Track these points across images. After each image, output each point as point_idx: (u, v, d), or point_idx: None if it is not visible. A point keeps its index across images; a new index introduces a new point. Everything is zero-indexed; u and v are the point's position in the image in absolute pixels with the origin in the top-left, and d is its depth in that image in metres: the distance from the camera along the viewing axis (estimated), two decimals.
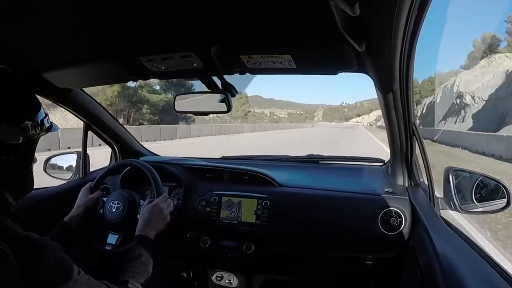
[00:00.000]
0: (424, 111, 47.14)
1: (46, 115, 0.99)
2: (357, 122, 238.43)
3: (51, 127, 1.00)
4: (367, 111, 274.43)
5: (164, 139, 22.95)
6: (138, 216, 1.39)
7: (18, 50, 1.10)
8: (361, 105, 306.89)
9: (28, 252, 0.82)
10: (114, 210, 1.48)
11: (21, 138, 0.89)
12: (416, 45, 0.99)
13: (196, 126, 32.40)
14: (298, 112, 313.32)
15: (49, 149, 11.10)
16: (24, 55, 1.14)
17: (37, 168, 1.10)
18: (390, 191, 1.62)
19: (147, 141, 18.76)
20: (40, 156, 1.08)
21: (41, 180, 1.41)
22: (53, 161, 1.98)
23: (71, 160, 2.00)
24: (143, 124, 28.77)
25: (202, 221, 1.71)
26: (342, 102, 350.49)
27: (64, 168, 2.01)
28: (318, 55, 1.07)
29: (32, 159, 0.98)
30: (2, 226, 0.84)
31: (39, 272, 0.82)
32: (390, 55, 0.98)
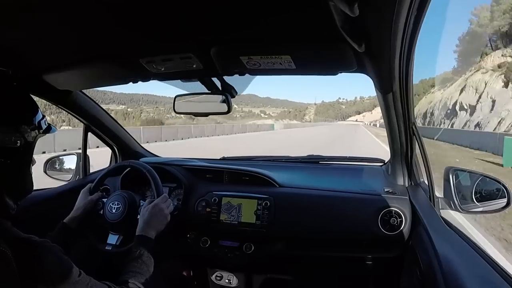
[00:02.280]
0: None
1: (43, 116, 0.99)
2: (356, 121, 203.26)
3: (49, 129, 1.01)
4: (369, 107, 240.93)
5: None
6: (138, 217, 1.39)
7: (18, 52, 1.10)
8: (361, 101, 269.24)
9: (29, 254, 0.82)
10: (114, 211, 1.48)
11: (19, 141, 0.89)
12: (415, 44, 0.98)
13: None
14: (287, 110, 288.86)
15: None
16: (24, 57, 1.14)
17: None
18: (390, 191, 1.62)
19: None
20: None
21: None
22: (53, 162, 1.98)
23: (71, 161, 2.00)
24: None
25: (202, 221, 1.71)
26: (339, 98, 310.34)
27: (64, 170, 2.01)
28: (318, 56, 1.07)
29: (31, 161, 0.98)
30: (2, 229, 0.84)
31: (39, 274, 0.82)
32: (389, 55, 0.98)
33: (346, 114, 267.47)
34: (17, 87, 0.97)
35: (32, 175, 1.00)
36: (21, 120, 0.92)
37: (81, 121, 1.84)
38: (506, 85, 32.07)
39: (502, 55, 38.87)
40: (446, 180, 1.43)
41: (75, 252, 1.19)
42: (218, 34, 0.99)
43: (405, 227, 1.51)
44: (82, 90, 1.67)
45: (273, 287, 1.94)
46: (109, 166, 1.96)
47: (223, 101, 1.37)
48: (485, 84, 34.75)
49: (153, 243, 1.28)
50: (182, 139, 25.07)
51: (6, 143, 0.87)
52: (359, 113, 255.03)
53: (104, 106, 1.87)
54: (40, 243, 0.86)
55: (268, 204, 1.65)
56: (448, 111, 39.97)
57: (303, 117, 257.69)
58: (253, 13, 0.84)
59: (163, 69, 1.20)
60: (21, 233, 0.86)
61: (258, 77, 1.38)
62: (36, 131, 0.96)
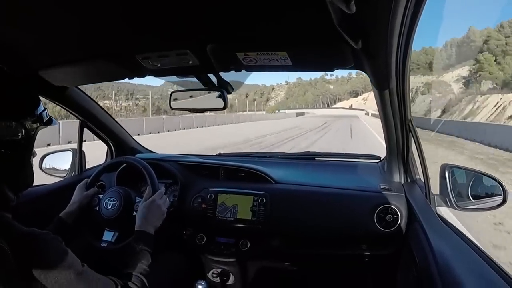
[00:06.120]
0: None
1: (45, 109, 0.99)
2: (350, 108, 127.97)
3: (50, 121, 1.01)
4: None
5: None
6: (135, 213, 1.39)
7: (14, 49, 1.10)
8: (359, 77, 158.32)
9: (30, 247, 0.82)
10: (109, 207, 1.48)
11: (20, 133, 0.90)
12: (412, 41, 0.98)
13: None
14: (243, 94, 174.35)
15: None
16: (20, 53, 1.14)
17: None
18: (386, 188, 1.63)
19: None
20: None
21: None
22: (48, 158, 1.97)
23: (66, 157, 1.99)
24: None
25: (198, 218, 1.72)
26: (326, 74, 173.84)
27: (60, 166, 2.00)
28: (314, 53, 1.07)
29: (31, 153, 0.99)
30: (2, 222, 0.84)
31: (41, 267, 0.82)
32: (386, 52, 0.97)
33: (334, 96, 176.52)
34: (20, 82, 0.96)
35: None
36: (23, 112, 0.92)
37: (76, 117, 1.83)
38: None
39: None
40: (442, 177, 1.44)
41: (70, 249, 1.18)
42: (214, 31, 0.98)
43: (401, 223, 1.52)
44: (78, 86, 1.66)
45: (269, 284, 1.94)
46: (105, 162, 1.96)
47: (219, 97, 1.37)
48: None
49: (152, 238, 1.30)
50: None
51: (7, 135, 0.87)
52: (356, 95, 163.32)
53: None
54: (41, 235, 0.86)
55: (264, 200, 1.65)
56: None
57: (266, 103, 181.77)
58: (250, 11, 0.84)
59: (159, 65, 1.20)
60: (22, 227, 0.86)
61: None
62: (38, 123, 0.96)
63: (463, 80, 57.81)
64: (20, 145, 0.91)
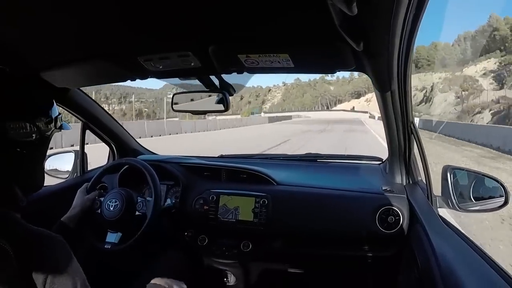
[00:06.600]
0: None
1: (60, 113, 1.00)
2: (352, 110, 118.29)
3: (61, 126, 1.01)
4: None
5: None
6: (137, 213, 1.38)
7: (16, 50, 1.10)
8: (361, 77, 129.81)
9: (33, 247, 0.81)
10: (112, 208, 1.48)
11: (34, 134, 0.90)
12: (414, 43, 0.98)
13: None
14: (238, 97, 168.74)
15: None
16: (21, 55, 1.14)
17: None
18: (388, 189, 1.63)
19: None
20: None
21: None
22: (50, 160, 1.97)
23: (69, 159, 1.99)
24: None
25: (200, 219, 1.72)
26: (327, 74, 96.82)
27: (62, 167, 2.00)
28: (316, 55, 1.06)
29: (45, 156, 1.00)
30: (9, 221, 0.84)
31: (41, 270, 0.81)
32: (388, 53, 0.97)
33: (335, 98, 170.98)
34: (26, 82, 0.97)
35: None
36: (37, 113, 0.92)
37: (79, 118, 1.83)
38: None
39: None
40: (444, 178, 1.43)
41: (74, 253, 1.18)
42: (216, 33, 0.98)
43: (403, 225, 1.51)
44: (80, 88, 1.67)
45: (270, 285, 1.94)
46: (106, 164, 1.96)
47: (221, 99, 1.37)
48: None
49: None
50: None
51: (22, 136, 0.87)
52: (358, 96, 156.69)
53: None
54: (53, 237, 0.86)
55: (266, 202, 1.65)
56: None
57: (262, 105, 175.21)
58: (251, 12, 0.84)
59: (161, 67, 1.20)
60: (32, 226, 0.85)
61: None
62: (52, 125, 0.96)
63: (492, 74, 52.11)
64: (34, 146, 0.91)
